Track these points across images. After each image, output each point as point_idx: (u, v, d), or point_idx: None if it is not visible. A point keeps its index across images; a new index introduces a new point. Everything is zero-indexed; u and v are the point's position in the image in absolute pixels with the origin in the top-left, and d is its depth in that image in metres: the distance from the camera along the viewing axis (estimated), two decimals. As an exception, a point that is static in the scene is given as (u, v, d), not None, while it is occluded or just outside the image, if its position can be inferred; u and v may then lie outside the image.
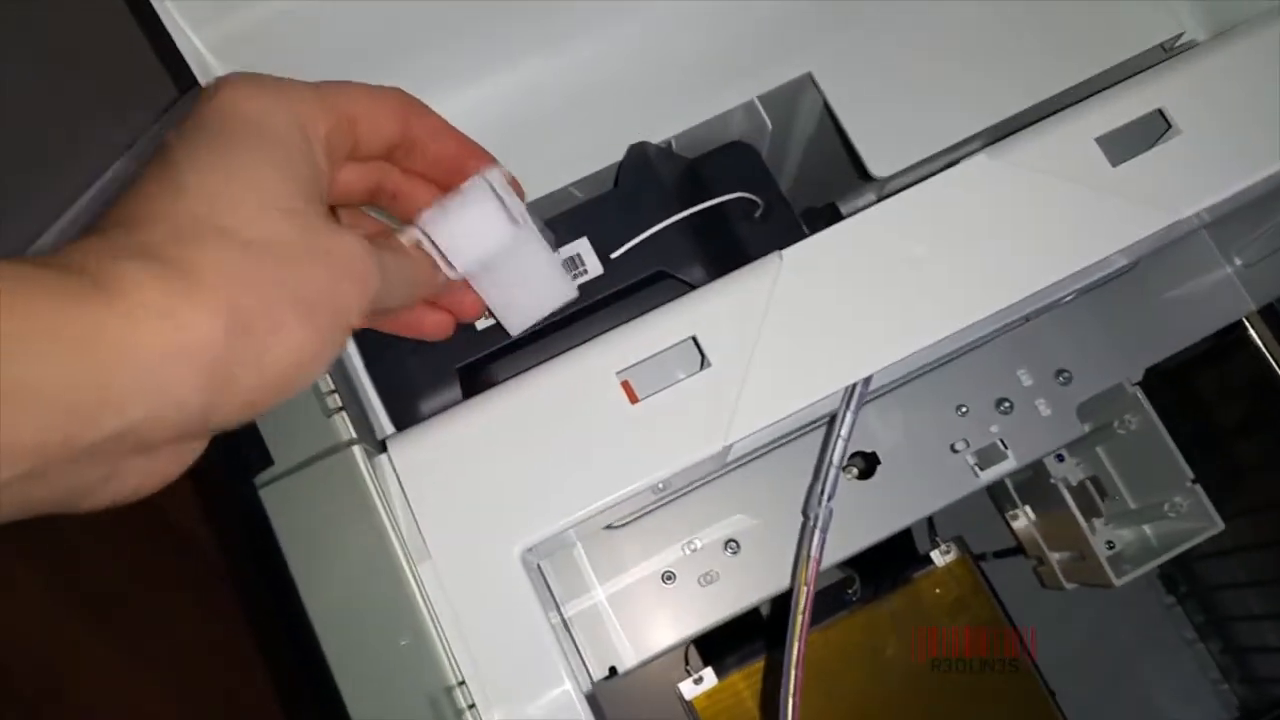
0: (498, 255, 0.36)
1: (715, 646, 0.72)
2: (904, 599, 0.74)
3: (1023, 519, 0.70)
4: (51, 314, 0.22)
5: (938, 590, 0.74)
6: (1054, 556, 0.68)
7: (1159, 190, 0.38)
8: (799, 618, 0.39)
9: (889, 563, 0.74)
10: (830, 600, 0.73)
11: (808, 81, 0.45)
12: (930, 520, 0.74)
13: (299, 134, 0.29)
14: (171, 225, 0.25)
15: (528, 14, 0.43)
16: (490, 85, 0.45)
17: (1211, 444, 0.70)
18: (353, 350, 0.43)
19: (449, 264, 0.35)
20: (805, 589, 0.40)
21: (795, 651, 0.39)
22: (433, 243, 0.35)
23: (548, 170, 0.45)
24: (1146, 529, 0.62)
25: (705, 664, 0.70)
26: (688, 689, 0.70)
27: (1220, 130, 0.39)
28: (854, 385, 0.38)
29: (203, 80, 0.41)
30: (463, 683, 0.34)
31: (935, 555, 0.73)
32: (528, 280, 0.38)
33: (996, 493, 0.74)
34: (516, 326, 0.39)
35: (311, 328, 0.27)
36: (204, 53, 0.40)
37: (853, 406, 0.39)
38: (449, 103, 0.44)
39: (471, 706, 0.34)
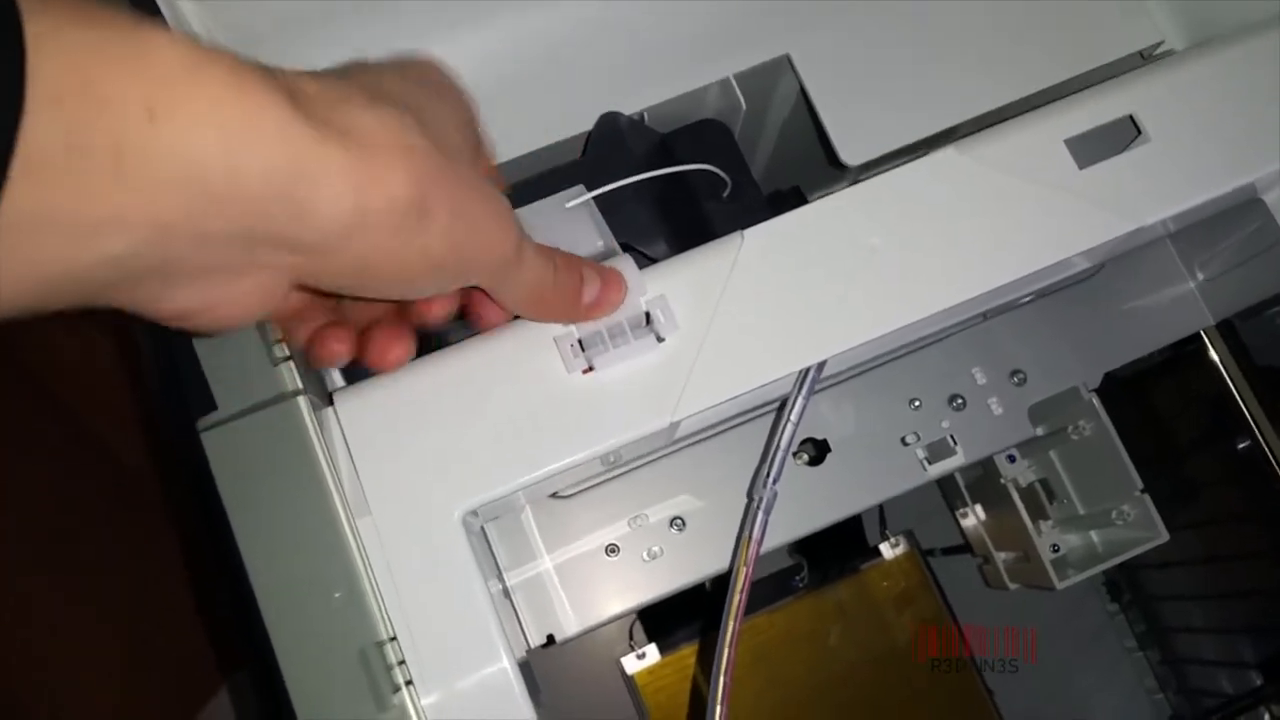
0: None
1: (660, 623, 0.72)
2: (851, 589, 0.74)
3: (972, 517, 0.71)
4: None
5: (885, 583, 0.74)
6: (999, 556, 0.68)
7: (1124, 196, 0.38)
8: (736, 597, 0.40)
9: (838, 552, 0.74)
10: (778, 585, 0.73)
11: (785, 64, 0.45)
12: (881, 512, 0.75)
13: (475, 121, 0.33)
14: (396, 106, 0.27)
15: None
16: (467, 40, 0.45)
17: (1165, 455, 0.70)
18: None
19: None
20: (744, 569, 0.40)
21: (730, 630, 0.39)
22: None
23: (518, 133, 0.45)
24: (1093, 535, 0.63)
25: (649, 640, 0.71)
26: (630, 663, 0.70)
27: (1189, 141, 0.39)
28: (807, 370, 0.38)
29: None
30: (393, 638, 0.34)
31: (884, 548, 0.73)
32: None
33: (948, 490, 0.74)
34: None
35: (453, 247, 0.29)
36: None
37: (804, 392, 0.39)
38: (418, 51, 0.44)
39: (401, 663, 0.33)
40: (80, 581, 0.94)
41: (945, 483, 0.73)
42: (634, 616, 0.73)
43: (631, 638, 0.73)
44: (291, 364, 0.37)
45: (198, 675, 0.90)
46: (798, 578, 0.73)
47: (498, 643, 0.35)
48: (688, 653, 0.71)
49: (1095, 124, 0.38)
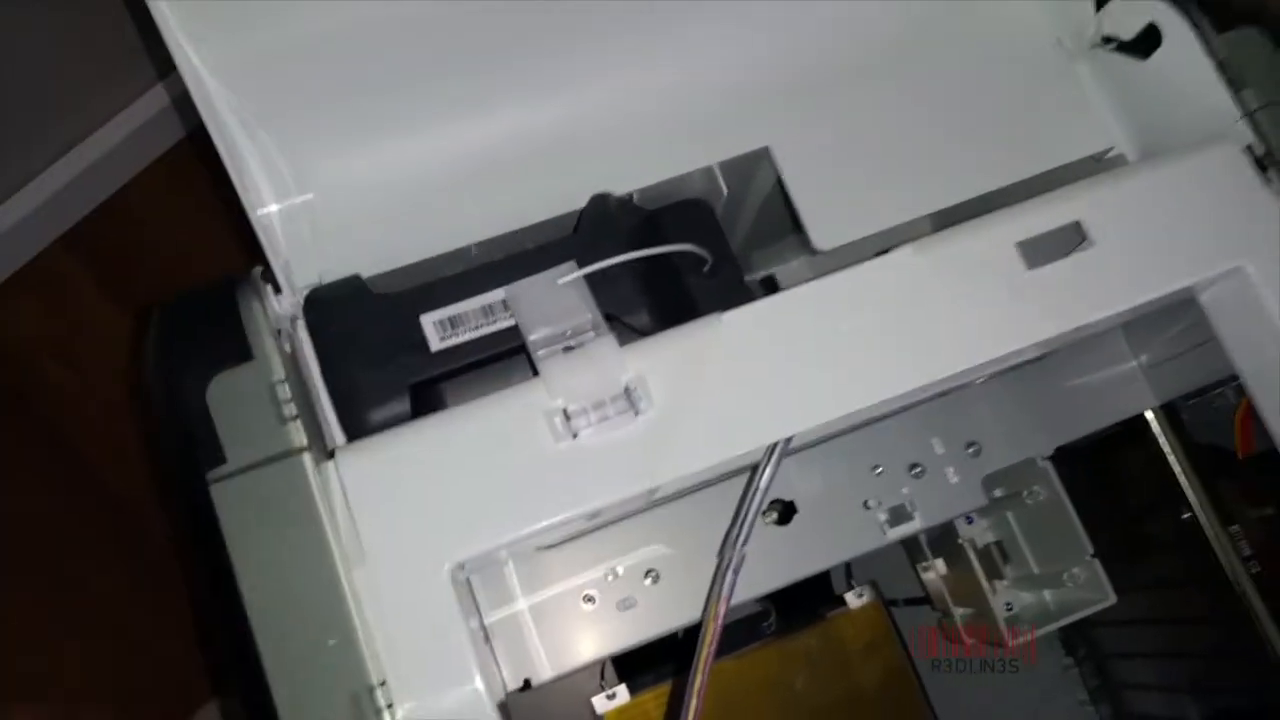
0: None
1: (631, 664, 0.75)
2: (817, 636, 0.77)
3: (933, 572, 0.74)
4: None
5: (850, 631, 0.77)
6: (957, 611, 0.71)
7: (1068, 296, 0.41)
8: (704, 651, 0.42)
9: (806, 600, 0.77)
10: (746, 630, 0.76)
11: (765, 155, 0.49)
12: (848, 564, 0.77)
13: None
14: None
15: (512, 64, 0.46)
16: (468, 125, 0.48)
17: (1116, 519, 0.73)
18: (310, 359, 0.45)
19: None
20: (713, 625, 0.43)
21: (698, 682, 0.42)
22: None
23: (514, 210, 0.48)
24: (1046, 594, 0.66)
25: (620, 680, 0.73)
26: (600, 703, 0.72)
27: (1129, 246, 0.42)
28: (775, 444, 0.41)
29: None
30: (383, 683, 0.37)
31: (850, 597, 0.76)
32: None
33: (910, 545, 0.77)
34: None
35: None
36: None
37: (773, 463, 0.42)
38: (426, 136, 0.47)
39: (389, 706, 0.36)
40: (71, 608, 0.96)
41: (908, 538, 0.76)
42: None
43: (603, 678, 0.76)
44: (299, 422, 0.40)
45: (187, 703, 0.93)
46: (765, 624, 0.76)
47: (481, 690, 0.37)
48: (657, 694, 0.73)
49: (1045, 229, 0.42)
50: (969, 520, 0.65)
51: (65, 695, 0.96)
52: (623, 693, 0.72)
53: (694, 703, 0.43)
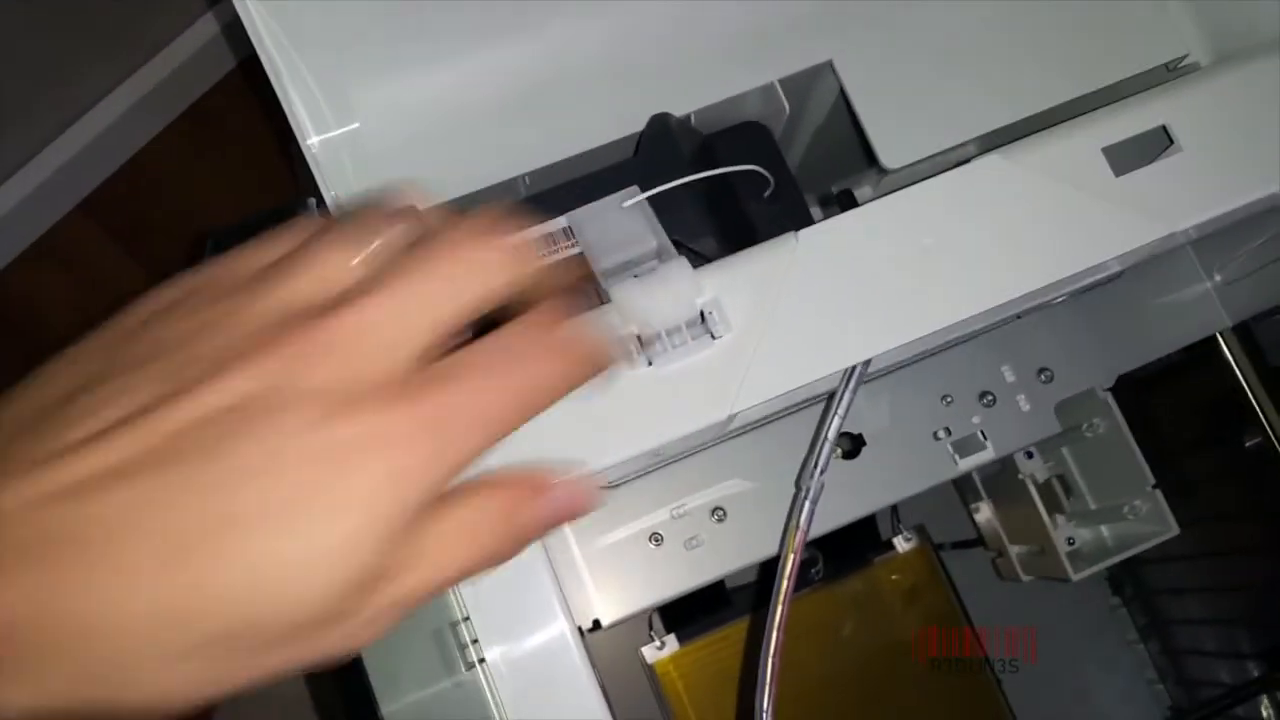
0: None
1: (678, 614, 0.74)
2: (864, 581, 0.76)
3: (986, 512, 0.73)
4: None
5: (896, 576, 0.76)
6: (1013, 550, 0.70)
7: (1157, 202, 0.40)
8: (784, 583, 0.41)
9: (852, 545, 0.76)
10: (795, 577, 0.75)
11: (827, 69, 0.47)
12: (894, 507, 0.76)
13: None
14: None
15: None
16: (524, 44, 0.46)
17: (1167, 453, 0.72)
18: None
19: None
20: (793, 556, 0.42)
21: (779, 615, 0.41)
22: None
23: (565, 136, 0.46)
24: (1104, 529, 0.65)
25: (668, 630, 0.72)
26: (650, 653, 0.72)
27: (1218, 151, 0.41)
28: (854, 366, 0.40)
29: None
30: (467, 618, 0.35)
31: (897, 541, 0.75)
32: None
33: (962, 485, 0.76)
34: None
35: None
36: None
37: (852, 386, 0.41)
38: (480, 58, 0.46)
39: (475, 641, 0.35)
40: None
41: (961, 478, 0.75)
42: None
43: (651, 628, 0.75)
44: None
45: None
46: (814, 570, 0.75)
47: (559, 613, 0.36)
48: (706, 642, 0.72)
49: (1130, 134, 0.40)
50: (1028, 455, 0.64)
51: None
52: (672, 642, 0.72)
53: (775, 635, 0.42)
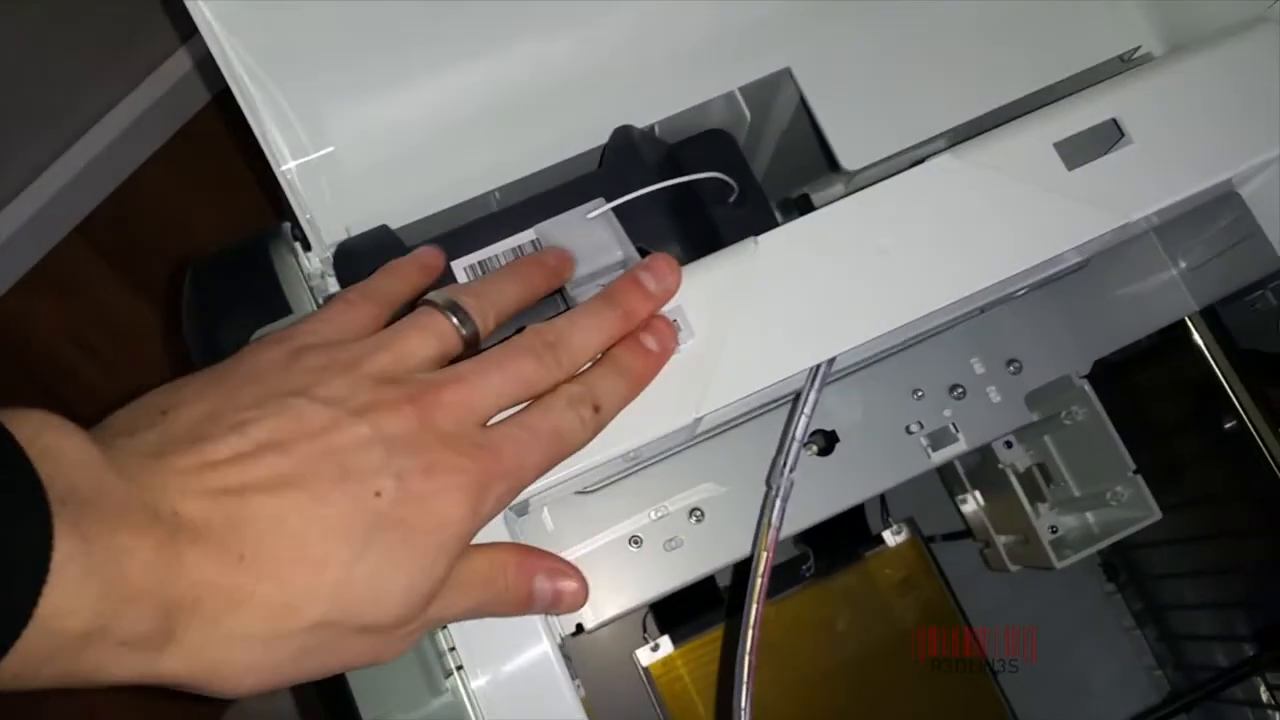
0: None
1: (671, 616, 0.75)
2: (855, 576, 0.77)
3: (971, 503, 0.74)
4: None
5: (887, 570, 0.77)
6: (1000, 540, 0.71)
7: (1110, 194, 0.40)
8: (758, 580, 0.42)
9: (842, 541, 0.77)
10: (785, 575, 0.76)
11: (786, 76, 0.48)
12: (883, 501, 0.77)
13: None
14: None
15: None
16: (486, 64, 0.47)
17: (1152, 438, 0.73)
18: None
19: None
20: (765, 554, 0.42)
21: (753, 613, 0.42)
22: None
23: (534, 150, 0.47)
24: (1088, 516, 0.66)
25: (661, 632, 0.73)
26: (644, 655, 0.73)
27: (1168, 141, 0.41)
28: (818, 366, 0.41)
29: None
30: (452, 649, 0.36)
31: (887, 535, 0.76)
32: None
33: (947, 477, 0.77)
34: None
35: None
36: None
37: (816, 385, 0.41)
38: (449, 79, 0.47)
39: (452, 649, 0.36)
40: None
41: (945, 470, 0.76)
42: (647, 610, 0.75)
43: (645, 630, 0.76)
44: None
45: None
46: (805, 567, 0.76)
47: (539, 628, 0.37)
48: (698, 643, 0.73)
49: (1081, 128, 0.41)
50: (1008, 445, 0.65)
51: (90, 691, 0.97)
52: (666, 644, 0.73)
53: (751, 633, 0.42)
